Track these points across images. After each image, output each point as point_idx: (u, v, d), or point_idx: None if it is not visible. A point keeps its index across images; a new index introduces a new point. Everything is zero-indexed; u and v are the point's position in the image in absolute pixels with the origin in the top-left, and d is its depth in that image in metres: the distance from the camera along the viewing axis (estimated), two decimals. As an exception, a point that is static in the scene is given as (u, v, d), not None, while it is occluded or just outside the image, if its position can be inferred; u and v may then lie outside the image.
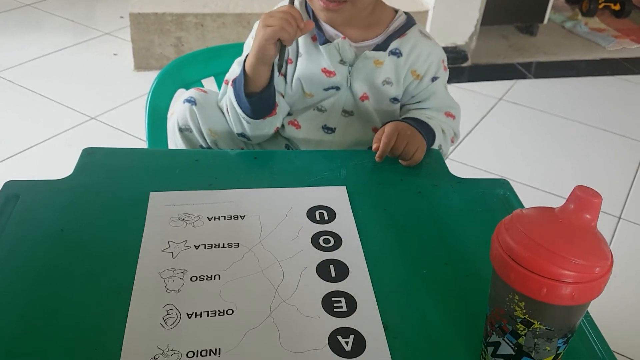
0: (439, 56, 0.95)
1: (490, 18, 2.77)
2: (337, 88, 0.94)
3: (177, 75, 1.09)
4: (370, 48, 0.92)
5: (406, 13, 0.96)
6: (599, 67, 2.89)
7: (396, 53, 0.92)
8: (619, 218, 1.80)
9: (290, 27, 0.81)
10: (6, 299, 0.59)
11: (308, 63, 0.93)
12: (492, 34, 3.03)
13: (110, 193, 0.75)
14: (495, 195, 0.82)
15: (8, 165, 1.82)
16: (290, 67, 0.94)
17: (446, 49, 2.68)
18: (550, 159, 2.13)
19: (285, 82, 0.95)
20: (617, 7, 3.42)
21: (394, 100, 0.95)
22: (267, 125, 0.92)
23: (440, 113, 0.96)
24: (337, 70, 0.92)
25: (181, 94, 0.98)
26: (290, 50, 0.93)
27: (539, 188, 1.91)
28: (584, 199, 0.47)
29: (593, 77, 2.79)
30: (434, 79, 0.95)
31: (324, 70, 0.93)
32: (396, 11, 0.96)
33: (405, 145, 0.83)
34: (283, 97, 0.95)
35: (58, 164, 1.55)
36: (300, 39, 0.92)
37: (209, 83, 1.10)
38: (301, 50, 0.93)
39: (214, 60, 1.12)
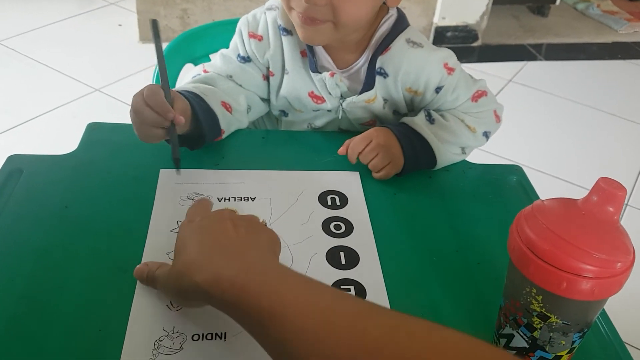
0: (436, 63, 0.79)
1: (502, -3, 2.72)
2: (329, 110, 0.87)
3: (184, 50, 1.06)
4: (357, 76, 0.83)
5: (398, 9, 0.83)
6: (610, 50, 2.84)
7: (382, 73, 0.81)
8: (626, 205, 1.78)
9: (148, 129, 0.68)
10: (8, 276, 0.58)
11: (295, 83, 0.85)
12: (504, 13, 2.98)
13: (115, 169, 0.74)
14: (508, 182, 0.80)
15: (12, 135, 1.81)
16: (273, 79, 0.86)
17: (456, 28, 2.67)
18: (558, 142, 2.10)
19: (269, 90, 0.88)
20: (631, -10, 3.36)
21: (404, 115, 0.84)
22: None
23: (461, 115, 0.83)
24: (327, 98, 0.84)
25: (189, 69, 0.95)
26: (271, 63, 0.85)
27: (546, 172, 1.89)
28: (608, 191, 0.46)
29: (604, 60, 2.75)
30: (438, 89, 0.81)
31: (312, 95, 0.85)
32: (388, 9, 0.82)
33: (374, 156, 0.76)
34: (264, 99, 0.89)
35: (62, 136, 1.53)
36: (287, 54, 0.83)
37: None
38: (288, 66, 0.84)
39: (221, 35, 1.09)
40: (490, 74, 2.49)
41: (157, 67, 0.70)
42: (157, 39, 0.70)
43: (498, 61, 2.62)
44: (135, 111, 0.68)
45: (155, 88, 0.68)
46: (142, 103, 0.67)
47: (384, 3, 0.78)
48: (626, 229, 0.47)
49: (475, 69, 2.50)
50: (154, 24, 0.70)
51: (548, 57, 2.71)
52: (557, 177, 1.87)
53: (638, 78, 2.66)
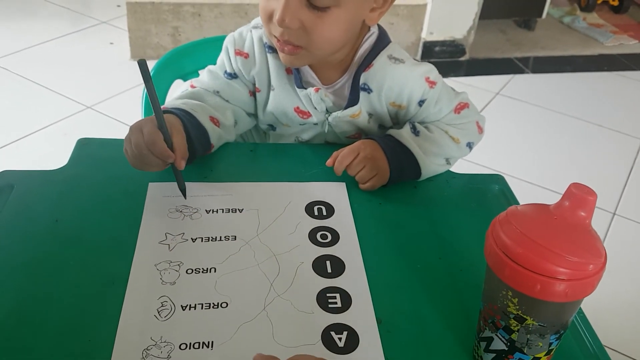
0: (418, 78, 0.81)
1: (489, 12, 2.76)
2: (315, 124, 0.88)
3: (174, 65, 1.08)
4: (341, 92, 0.85)
5: (379, 26, 0.84)
6: (597, 62, 2.89)
7: (366, 89, 0.83)
8: (614, 214, 1.81)
9: (148, 168, 0.71)
10: None
11: (281, 99, 0.86)
12: (491, 28, 3.03)
13: (105, 184, 0.75)
14: (491, 191, 0.82)
15: (3, 154, 1.82)
16: (260, 95, 0.88)
17: (444, 43, 2.71)
18: (546, 154, 2.13)
19: (256, 105, 0.90)
20: (615, 3, 3.43)
21: (390, 128, 0.86)
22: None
23: (445, 127, 0.84)
24: (313, 113, 0.86)
25: (178, 85, 0.97)
26: (257, 79, 0.86)
27: (535, 183, 1.91)
28: (579, 196, 0.47)
29: (590, 72, 2.79)
30: (421, 102, 0.83)
31: (297, 110, 0.86)
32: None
33: (362, 169, 0.77)
34: (251, 114, 0.91)
35: (54, 153, 1.54)
36: (273, 71, 0.84)
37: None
38: (274, 83, 0.86)
39: (210, 51, 1.10)
40: (478, 87, 2.53)
41: (152, 106, 0.69)
42: (147, 81, 0.65)
43: (486, 75, 2.65)
44: (135, 155, 0.70)
45: (155, 135, 0.69)
46: (144, 147, 0.69)
47: (364, 23, 0.80)
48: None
49: (464, 83, 2.54)
50: (142, 64, 0.63)
51: (535, 70, 2.75)
52: (543, 187, 1.90)
53: (624, 89, 2.71)
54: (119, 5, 2.83)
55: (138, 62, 0.64)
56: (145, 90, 0.66)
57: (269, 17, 0.74)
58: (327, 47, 0.77)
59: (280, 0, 0.71)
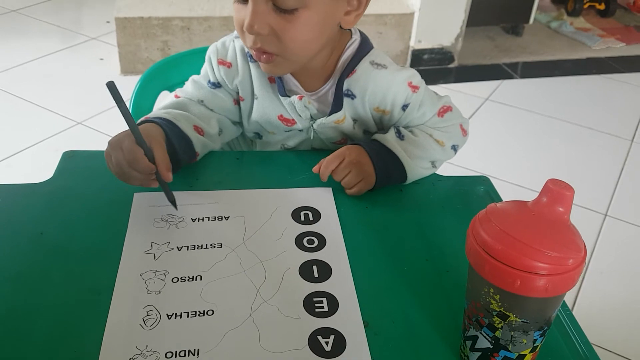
0: (401, 83, 0.82)
1: (476, 19, 2.79)
2: (301, 130, 0.89)
3: (160, 77, 1.09)
4: (325, 99, 0.85)
5: (361, 33, 0.85)
6: (585, 66, 2.91)
7: (349, 95, 0.83)
8: (605, 215, 1.81)
9: (129, 179, 0.71)
10: (-15, 302, 0.59)
11: (265, 108, 0.87)
12: (478, 34, 3.05)
13: (91, 195, 0.75)
14: (476, 192, 0.82)
15: (-6, 171, 1.81)
16: (244, 104, 0.88)
17: (432, 50, 2.73)
18: (537, 157, 2.14)
19: (240, 114, 0.90)
20: (602, 7, 3.46)
21: (375, 133, 0.86)
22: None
23: (429, 130, 0.85)
24: (298, 120, 0.86)
25: (165, 96, 0.97)
26: (241, 89, 0.87)
27: (527, 187, 1.92)
28: (556, 192, 0.48)
29: (579, 76, 2.81)
30: (404, 107, 0.83)
31: (281, 118, 0.87)
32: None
33: (347, 174, 0.77)
34: (236, 122, 0.91)
35: (44, 170, 1.54)
36: (255, 80, 0.85)
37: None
38: (257, 91, 0.86)
39: (197, 62, 1.11)
40: (468, 93, 2.54)
41: (127, 124, 0.68)
42: (119, 102, 0.66)
43: (475, 81, 2.67)
44: (117, 172, 0.71)
45: (135, 152, 0.69)
46: (125, 164, 0.69)
47: (341, 27, 0.81)
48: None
49: (453, 89, 2.55)
50: (111, 86, 0.64)
51: (524, 75, 2.77)
52: (535, 191, 1.90)
53: (612, 92, 2.73)
54: (108, 21, 2.84)
55: (107, 85, 0.64)
56: (120, 110, 0.66)
57: (242, 27, 0.74)
58: (301, 51, 0.77)
59: (248, 8, 0.72)
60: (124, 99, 0.67)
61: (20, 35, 2.76)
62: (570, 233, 0.48)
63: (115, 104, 0.66)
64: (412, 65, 2.70)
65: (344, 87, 0.83)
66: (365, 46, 0.84)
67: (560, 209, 0.48)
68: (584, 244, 0.48)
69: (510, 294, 0.47)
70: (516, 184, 1.93)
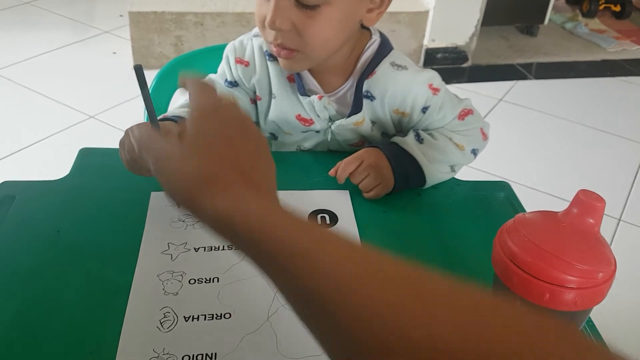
0: (421, 85, 0.81)
1: (491, 19, 2.76)
2: (318, 131, 0.87)
3: (176, 75, 1.07)
4: (344, 100, 0.84)
5: (381, 34, 0.84)
6: (599, 68, 2.88)
7: (369, 96, 0.82)
8: (619, 220, 1.80)
9: (140, 168, 0.68)
10: (1, 300, 0.58)
11: (282, 107, 0.86)
12: (493, 34, 3.03)
13: (107, 194, 0.74)
14: (496, 198, 0.81)
15: (6, 164, 1.82)
16: (261, 104, 0.87)
17: (446, 50, 2.71)
18: (550, 160, 2.12)
19: (257, 114, 0.89)
20: (617, 9, 3.43)
21: (393, 136, 0.85)
22: None
23: (449, 134, 0.83)
24: (316, 120, 0.85)
25: (180, 94, 0.97)
26: (258, 88, 0.86)
27: (539, 189, 1.90)
28: (587, 203, 0.47)
29: (593, 78, 2.79)
30: (424, 109, 0.82)
31: (299, 118, 0.85)
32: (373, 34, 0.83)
33: (365, 177, 0.77)
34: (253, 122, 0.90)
35: (56, 163, 1.54)
36: (274, 79, 0.84)
37: (208, 83, 1.09)
38: (275, 91, 0.85)
39: (213, 60, 1.10)
40: (481, 93, 2.52)
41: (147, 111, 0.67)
42: (143, 88, 0.58)
43: (488, 81, 2.65)
44: (128, 160, 0.69)
45: (149, 131, 0.67)
46: (137, 147, 0.65)
47: (363, 27, 0.80)
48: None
49: (466, 89, 2.53)
50: (138, 70, 0.57)
51: (538, 76, 2.75)
52: (548, 194, 1.88)
53: (627, 94, 2.70)
54: (121, 15, 2.84)
55: (134, 68, 0.58)
56: (142, 95, 0.61)
57: (263, 23, 0.74)
58: (322, 48, 0.76)
59: (270, 3, 0.71)
60: (136, 95, 0.65)
61: (33, 27, 2.77)
62: (601, 245, 0.47)
63: (139, 89, 0.62)
64: (425, 65, 2.68)
65: (364, 89, 0.82)
66: (385, 47, 0.83)
67: (591, 220, 0.47)
68: (614, 256, 0.47)
69: (538, 307, 0.46)
70: (527, 186, 1.91)
